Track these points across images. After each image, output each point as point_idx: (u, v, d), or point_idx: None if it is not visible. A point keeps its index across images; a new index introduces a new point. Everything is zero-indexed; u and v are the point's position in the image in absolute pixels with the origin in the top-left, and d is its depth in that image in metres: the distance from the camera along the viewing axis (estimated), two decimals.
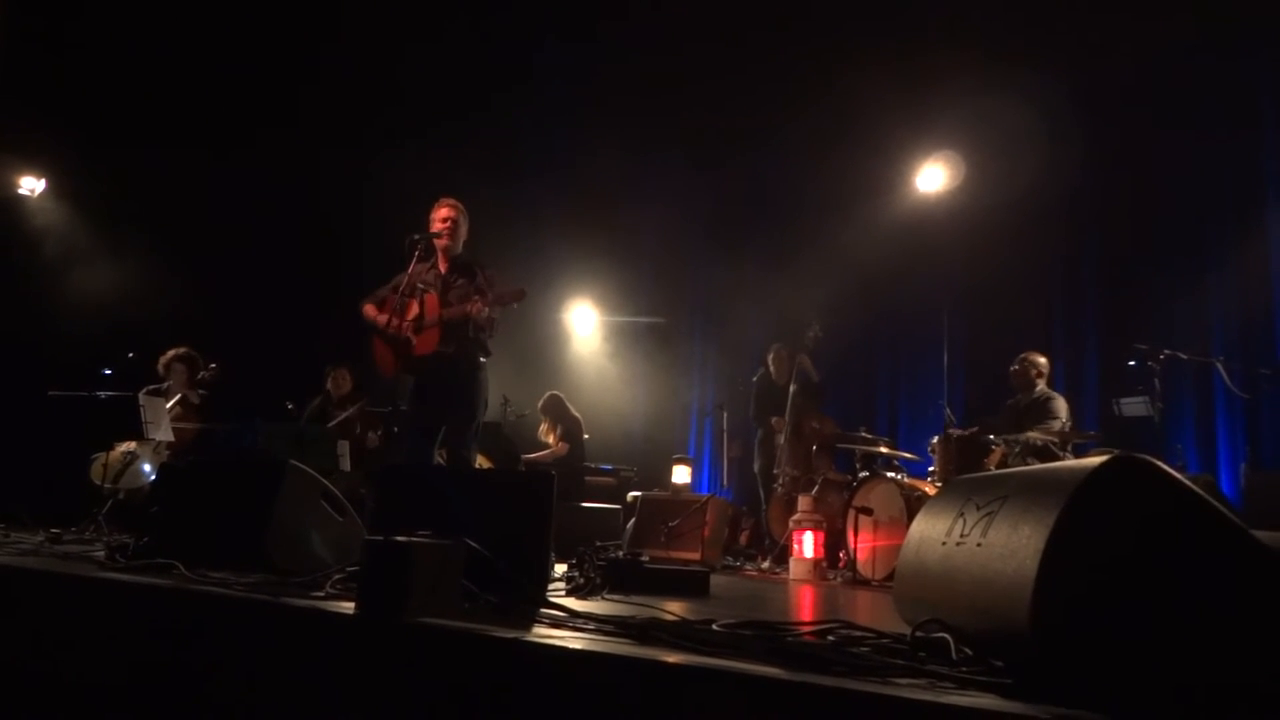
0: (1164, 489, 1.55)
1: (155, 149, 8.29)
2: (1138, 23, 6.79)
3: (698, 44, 8.08)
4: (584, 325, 9.91)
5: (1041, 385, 6.13)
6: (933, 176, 7.11)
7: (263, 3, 8.18)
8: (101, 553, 3.16)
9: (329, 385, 7.33)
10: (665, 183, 9.06)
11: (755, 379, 7.35)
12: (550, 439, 7.50)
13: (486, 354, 4.62)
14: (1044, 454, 5.38)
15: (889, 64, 7.51)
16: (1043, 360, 6.20)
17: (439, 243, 4.65)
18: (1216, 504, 1.52)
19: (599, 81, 8.63)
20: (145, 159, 8.27)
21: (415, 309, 4.54)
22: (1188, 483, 1.55)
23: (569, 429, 7.46)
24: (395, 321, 4.52)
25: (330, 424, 6.72)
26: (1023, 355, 6.22)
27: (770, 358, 7.20)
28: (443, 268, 4.70)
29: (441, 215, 4.70)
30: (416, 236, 4.59)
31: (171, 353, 6.32)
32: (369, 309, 4.68)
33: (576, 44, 8.70)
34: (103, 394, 5.62)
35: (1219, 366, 6.25)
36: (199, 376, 6.30)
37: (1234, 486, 6.83)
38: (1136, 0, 6.73)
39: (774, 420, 6.79)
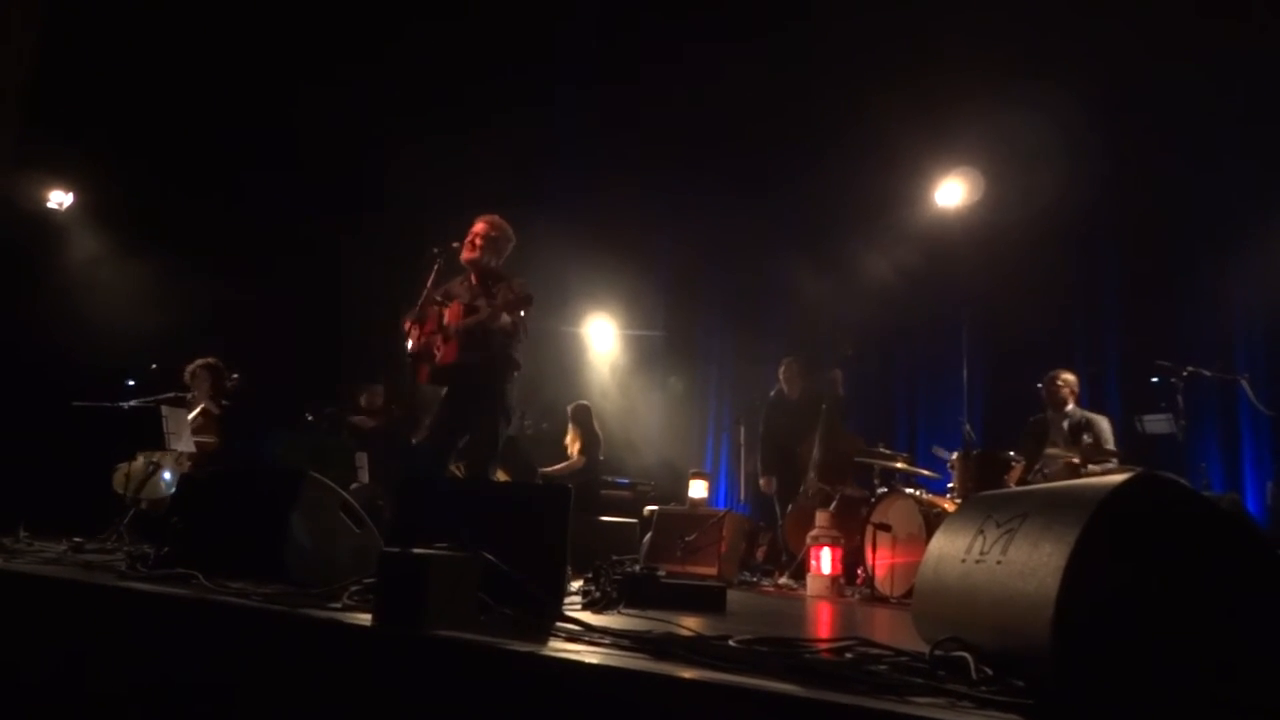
0: (1187, 507, 1.54)
1: (181, 162, 8.42)
2: (1156, 37, 6.76)
3: (720, 62, 8.11)
4: (602, 339, 9.92)
5: (1073, 404, 6.02)
6: (952, 192, 7.08)
7: (293, 23, 8.31)
8: (123, 562, 3.19)
9: (362, 402, 7.46)
10: (686, 199, 9.09)
11: (772, 394, 7.31)
12: (574, 449, 7.51)
13: (514, 366, 4.59)
14: (1067, 474, 5.31)
15: (908, 79, 7.51)
16: (1072, 378, 6.08)
17: (463, 256, 4.66)
18: (1242, 522, 1.50)
19: (623, 97, 8.68)
20: (171, 172, 8.39)
21: (441, 318, 4.60)
22: (1212, 500, 1.53)
23: (590, 442, 7.47)
24: (418, 332, 4.59)
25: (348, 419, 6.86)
26: (1053, 373, 6.08)
27: (781, 372, 7.14)
28: (474, 280, 4.72)
29: (475, 230, 4.70)
30: (437, 249, 4.64)
31: (198, 362, 6.33)
32: (407, 321, 4.71)
33: (599, 63, 8.77)
34: (125, 405, 5.67)
35: (1244, 383, 6.16)
36: (225, 386, 6.31)
37: (1260, 505, 6.73)
38: (1155, 15, 6.69)
39: (800, 450, 6.73)
